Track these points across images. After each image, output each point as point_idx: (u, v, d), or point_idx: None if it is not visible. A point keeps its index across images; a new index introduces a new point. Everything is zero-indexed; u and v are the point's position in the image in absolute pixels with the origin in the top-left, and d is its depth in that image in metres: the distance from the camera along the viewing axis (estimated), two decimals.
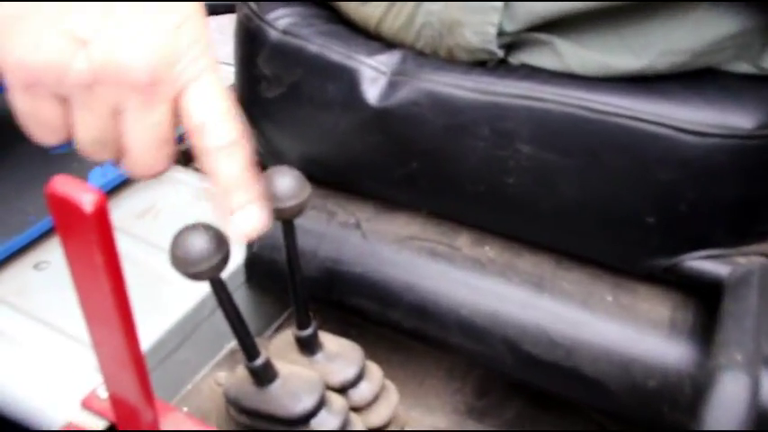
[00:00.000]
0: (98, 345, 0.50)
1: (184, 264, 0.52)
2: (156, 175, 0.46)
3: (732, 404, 0.50)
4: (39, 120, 0.44)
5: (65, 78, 0.41)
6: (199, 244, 0.52)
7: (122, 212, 0.87)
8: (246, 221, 0.47)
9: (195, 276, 0.53)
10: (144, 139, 0.43)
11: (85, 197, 0.39)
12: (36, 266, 0.80)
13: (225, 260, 0.53)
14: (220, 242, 0.52)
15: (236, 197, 0.46)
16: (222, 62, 1.27)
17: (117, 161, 0.46)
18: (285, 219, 0.60)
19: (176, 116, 0.45)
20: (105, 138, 0.44)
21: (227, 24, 1.42)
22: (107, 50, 0.41)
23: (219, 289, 0.57)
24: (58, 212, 0.40)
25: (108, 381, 0.54)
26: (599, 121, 0.61)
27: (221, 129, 0.44)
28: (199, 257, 0.52)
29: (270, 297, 0.90)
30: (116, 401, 0.55)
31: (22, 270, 0.79)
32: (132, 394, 0.52)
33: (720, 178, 0.60)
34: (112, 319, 0.45)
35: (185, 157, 0.98)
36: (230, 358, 0.85)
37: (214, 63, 0.45)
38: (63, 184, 0.39)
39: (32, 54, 0.40)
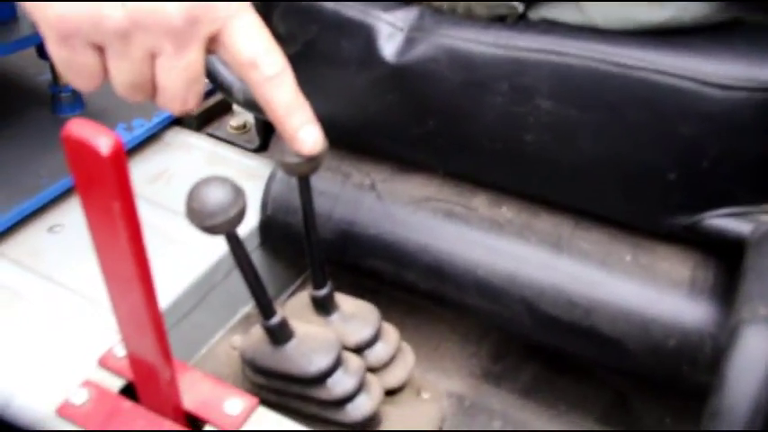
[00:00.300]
0: (116, 300, 0.50)
1: (200, 216, 0.51)
2: (188, 111, 0.49)
3: (756, 357, 0.49)
4: (76, 68, 0.45)
5: (102, 28, 0.42)
6: (215, 196, 0.51)
7: (135, 177, 0.84)
8: (309, 137, 0.51)
9: (211, 230, 0.52)
10: (178, 79, 0.46)
11: (102, 140, 0.39)
12: (50, 229, 0.80)
13: (241, 214, 0.53)
14: (237, 195, 0.52)
15: (296, 118, 0.50)
16: None
17: (151, 100, 0.49)
18: (301, 175, 0.59)
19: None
20: (140, 81, 0.46)
21: None
22: None
23: (236, 245, 0.56)
24: (73, 156, 0.40)
25: (126, 339, 0.54)
26: (621, 75, 0.60)
27: (271, 60, 0.47)
28: (215, 210, 0.51)
29: (284, 261, 0.90)
30: (134, 360, 0.55)
31: (35, 233, 0.80)
32: (151, 352, 0.52)
33: (745, 133, 0.59)
34: (130, 268, 0.45)
35: (197, 122, 0.97)
36: (245, 322, 0.85)
37: (247, 1, 0.47)
38: (79, 128, 0.39)
39: (71, 7, 0.42)
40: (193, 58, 0.45)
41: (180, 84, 0.46)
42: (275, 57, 0.48)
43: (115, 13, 0.42)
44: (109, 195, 0.40)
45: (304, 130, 0.50)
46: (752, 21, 0.61)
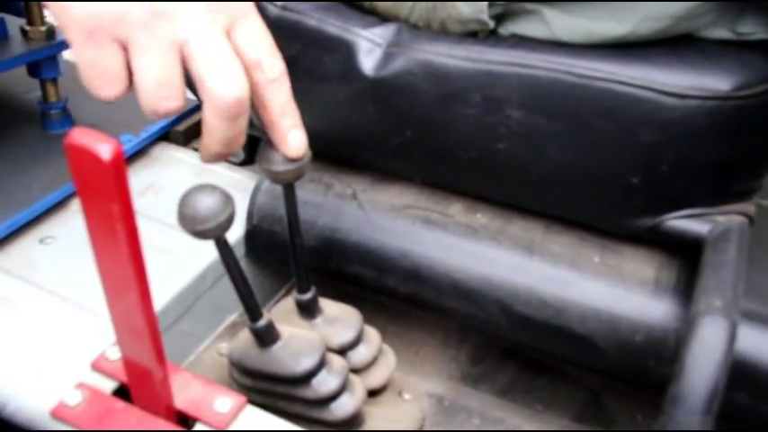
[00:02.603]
0: (112, 302, 0.52)
1: (192, 222, 0.54)
2: (238, 103, 0.48)
3: (712, 345, 0.53)
4: (101, 69, 0.46)
5: (125, 19, 0.44)
6: (206, 203, 0.54)
7: None
8: (297, 140, 0.54)
9: (201, 235, 0.55)
10: (214, 60, 0.46)
11: (103, 147, 0.41)
12: (42, 241, 0.82)
13: (230, 219, 0.56)
14: (226, 202, 0.55)
15: (287, 121, 0.53)
16: None
17: (181, 104, 0.48)
18: (285, 182, 0.62)
19: None
20: (169, 76, 0.46)
21: None
22: None
23: (224, 249, 0.59)
24: (75, 163, 0.42)
25: (121, 341, 0.56)
26: (584, 85, 0.63)
27: (273, 63, 0.50)
28: (206, 216, 0.54)
29: (269, 270, 0.92)
30: (128, 362, 0.57)
31: (28, 244, 0.81)
32: (145, 353, 0.54)
33: (700, 139, 0.63)
34: (127, 269, 0.47)
35: (184, 137, 1.00)
36: (232, 330, 0.87)
37: (254, 4, 0.50)
38: (81, 135, 0.42)
39: (95, 2, 0.44)
40: (222, 42, 0.47)
41: (218, 63, 0.46)
42: (277, 60, 0.51)
43: (138, 4, 0.44)
44: (109, 199, 0.43)
45: (293, 133, 0.54)
46: (700, 35, 0.65)
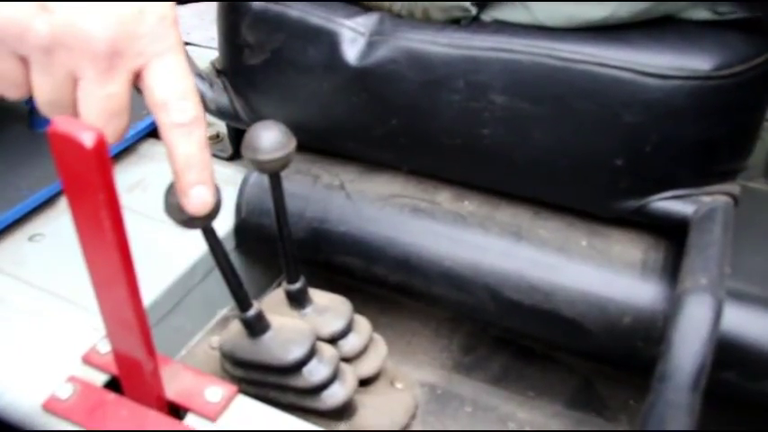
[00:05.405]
0: (101, 294, 0.52)
1: (178, 210, 0.54)
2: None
3: (698, 322, 0.53)
4: (1, 75, 0.44)
5: (25, 38, 0.42)
6: None
7: None
8: (198, 198, 0.49)
9: (188, 223, 0.55)
10: (97, 109, 0.44)
11: (86, 134, 0.41)
12: (30, 239, 0.82)
13: (216, 209, 0.56)
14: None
15: (191, 175, 0.48)
16: (200, 45, 1.29)
17: None
18: (271, 171, 0.62)
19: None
20: (61, 101, 0.45)
21: (205, 10, 1.44)
22: (69, 17, 0.41)
23: (212, 238, 0.59)
24: (59, 151, 0.42)
25: (110, 333, 0.56)
26: (566, 68, 0.64)
27: (182, 107, 0.45)
28: None
29: (259, 264, 0.92)
30: (118, 354, 0.57)
31: (17, 242, 0.82)
32: (134, 344, 0.54)
33: (682, 119, 0.63)
34: (115, 258, 0.47)
35: None
36: (223, 324, 0.87)
37: (179, 43, 0.46)
38: (64, 124, 0.42)
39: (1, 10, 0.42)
40: (115, 90, 0.44)
41: (99, 114, 0.44)
42: (188, 105, 0.46)
43: (40, 27, 0.41)
44: (93, 187, 0.43)
45: (196, 190, 0.49)
46: (681, 16, 0.65)
